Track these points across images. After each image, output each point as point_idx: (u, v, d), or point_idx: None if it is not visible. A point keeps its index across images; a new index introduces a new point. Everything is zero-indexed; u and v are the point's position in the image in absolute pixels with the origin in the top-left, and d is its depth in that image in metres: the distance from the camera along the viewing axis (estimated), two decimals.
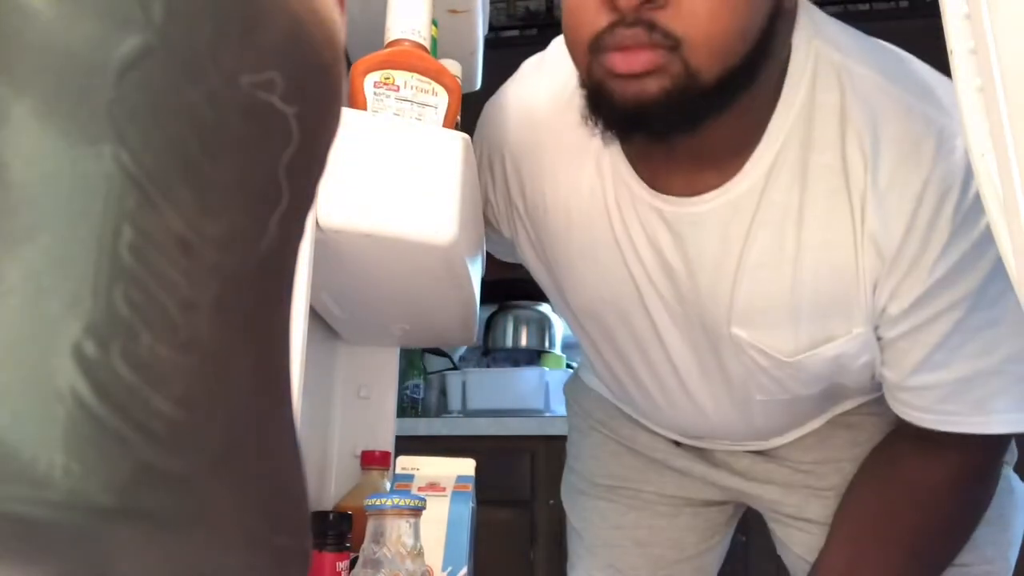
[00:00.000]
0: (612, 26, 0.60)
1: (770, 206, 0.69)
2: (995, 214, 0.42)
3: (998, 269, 0.59)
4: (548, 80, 0.80)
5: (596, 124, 0.66)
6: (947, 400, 0.72)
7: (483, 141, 0.85)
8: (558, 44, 0.78)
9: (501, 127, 0.81)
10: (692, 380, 0.84)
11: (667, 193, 0.71)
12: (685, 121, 0.64)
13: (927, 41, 0.82)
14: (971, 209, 0.64)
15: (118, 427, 0.19)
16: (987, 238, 0.60)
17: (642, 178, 0.72)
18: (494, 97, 0.87)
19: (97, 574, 0.19)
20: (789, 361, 0.74)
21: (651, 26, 0.59)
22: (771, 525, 1.00)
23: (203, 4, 0.22)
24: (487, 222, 0.90)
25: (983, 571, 0.82)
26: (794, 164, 0.67)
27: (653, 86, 0.60)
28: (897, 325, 0.69)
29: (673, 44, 0.59)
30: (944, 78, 0.67)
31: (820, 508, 0.90)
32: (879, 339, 0.72)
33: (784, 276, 0.70)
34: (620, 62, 0.60)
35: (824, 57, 0.68)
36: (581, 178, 0.75)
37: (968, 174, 0.64)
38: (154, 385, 0.20)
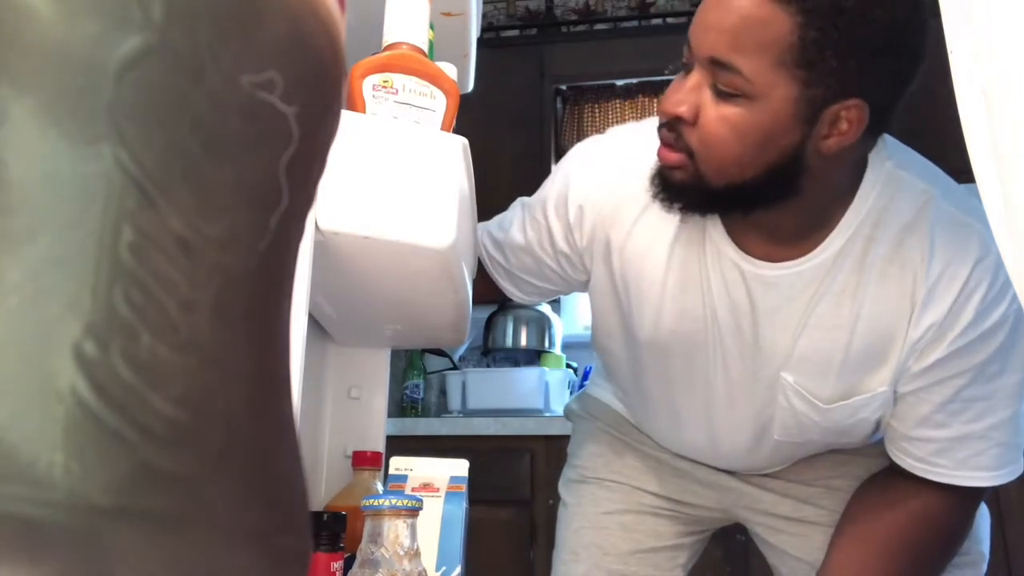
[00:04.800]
0: (664, 124, 0.81)
1: (833, 282, 0.85)
2: (996, 215, 0.42)
3: (996, 353, 0.83)
4: (652, 139, 0.92)
5: (651, 184, 0.84)
6: (939, 455, 0.88)
7: (590, 177, 0.95)
8: None
9: (604, 171, 0.95)
10: (720, 411, 0.96)
11: (748, 254, 0.87)
12: (701, 207, 0.84)
13: (927, 41, 0.82)
14: (991, 303, 0.82)
15: (118, 427, 0.19)
16: (996, 327, 0.82)
17: (731, 237, 0.88)
18: (591, 145, 1.00)
19: (97, 574, 0.19)
20: (824, 407, 0.89)
21: (678, 136, 0.79)
22: (765, 537, 1.09)
23: (203, 4, 0.22)
24: (559, 251, 0.99)
25: (958, 562, 0.98)
26: (858, 253, 0.84)
27: (677, 176, 0.81)
28: (913, 381, 0.86)
29: (690, 153, 0.79)
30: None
31: (813, 511, 1.03)
32: (895, 392, 0.88)
33: (838, 338, 0.86)
34: (662, 152, 0.82)
35: (907, 182, 0.84)
36: (682, 230, 0.90)
37: (995, 276, 0.81)
38: (154, 385, 0.20)
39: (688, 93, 0.77)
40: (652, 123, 0.93)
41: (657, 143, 0.86)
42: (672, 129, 0.79)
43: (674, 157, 0.80)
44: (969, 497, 0.92)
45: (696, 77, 0.77)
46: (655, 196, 0.84)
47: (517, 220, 1.03)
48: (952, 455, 0.88)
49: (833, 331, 0.85)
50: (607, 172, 0.94)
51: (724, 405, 0.96)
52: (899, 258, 0.83)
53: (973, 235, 0.82)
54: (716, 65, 0.75)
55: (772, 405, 0.92)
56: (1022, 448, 0.89)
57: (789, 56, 0.72)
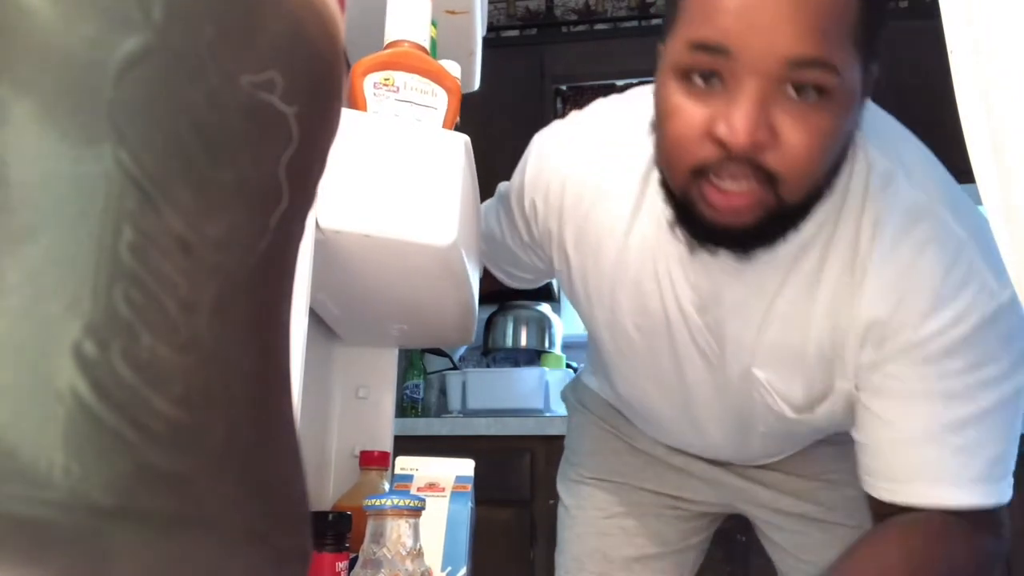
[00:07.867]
0: (719, 160, 0.67)
1: (799, 271, 0.78)
2: (996, 215, 0.42)
3: (963, 363, 0.73)
4: (607, 130, 0.87)
5: (682, 232, 0.75)
6: (908, 471, 0.80)
7: (541, 171, 0.91)
8: (613, 102, 0.92)
9: (562, 163, 0.89)
10: (699, 406, 0.92)
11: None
12: (769, 240, 0.72)
13: (927, 41, 0.82)
14: (947, 297, 0.73)
15: (118, 427, 0.19)
16: (969, 308, 0.72)
17: None
18: (549, 135, 0.95)
19: (97, 574, 0.19)
20: (799, 405, 0.84)
21: (756, 166, 0.66)
22: (767, 532, 1.07)
23: (203, 4, 0.22)
24: (526, 243, 0.97)
25: None
26: (824, 240, 0.77)
27: (748, 218, 0.69)
28: (873, 390, 0.79)
29: (771, 180, 0.67)
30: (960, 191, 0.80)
31: (813, 507, 1.00)
32: (863, 405, 0.81)
33: (800, 328, 0.79)
34: (720, 200, 0.68)
35: (872, 160, 0.76)
36: (635, 222, 0.83)
37: (953, 261, 0.73)
38: (154, 385, 0.20)
39: (758, 112, 0.65)
40: (601, 107, 0.91)
41: (615, 127, 0.82)
42: (744, 162, 0.66)
43: (749, 201, 0.67)
44: (975, 530, 0.79)
45: (755, 90, 0.65)
46: (692, 239, 0.74)
47: (492, 211, 1.02)
48: (923, 471, 0.79)
49: (796, 321, 0.79)
50: (559, 163, 0.89)
51: (702, 399, 0.91)
52: (856, 241, 0.76)
53: (934, 223, 0.75)
54: (798, 66, 0.64)
55: (750, 401, 0.88)
56: (1010, 469, 0.80)
57: (856, 35, 0.65)
